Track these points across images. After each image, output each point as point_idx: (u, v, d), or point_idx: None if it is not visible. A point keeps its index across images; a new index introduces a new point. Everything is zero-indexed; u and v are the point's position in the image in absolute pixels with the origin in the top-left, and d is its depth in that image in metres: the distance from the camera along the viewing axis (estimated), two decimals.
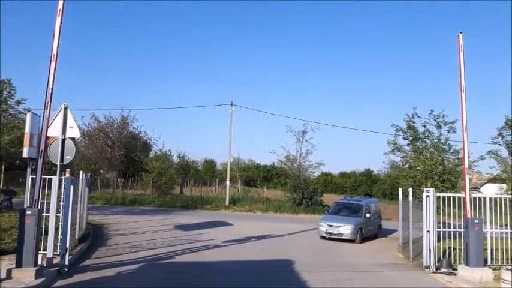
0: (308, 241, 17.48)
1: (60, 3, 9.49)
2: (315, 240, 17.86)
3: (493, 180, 31.54)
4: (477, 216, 11.60)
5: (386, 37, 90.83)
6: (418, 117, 21.06)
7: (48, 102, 9.32)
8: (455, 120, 20.27)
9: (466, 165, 11.80)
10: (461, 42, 11.79)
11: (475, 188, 36.18)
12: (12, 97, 19.75)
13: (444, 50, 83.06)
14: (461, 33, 11.80)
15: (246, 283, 9.61)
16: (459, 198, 12.10)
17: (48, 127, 9.60)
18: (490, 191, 30.56)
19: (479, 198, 12.21)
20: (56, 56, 9.38)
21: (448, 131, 20.66)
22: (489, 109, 77.32)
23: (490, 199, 12.20)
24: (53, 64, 9.33)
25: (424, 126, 21.00)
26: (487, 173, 24.24)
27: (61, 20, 9.51)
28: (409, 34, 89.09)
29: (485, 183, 42.32)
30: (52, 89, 9.29)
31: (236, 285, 9.43)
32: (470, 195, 11.48)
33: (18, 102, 19.97)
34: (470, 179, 11.96)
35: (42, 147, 9.30)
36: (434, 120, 20.72)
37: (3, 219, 15.28)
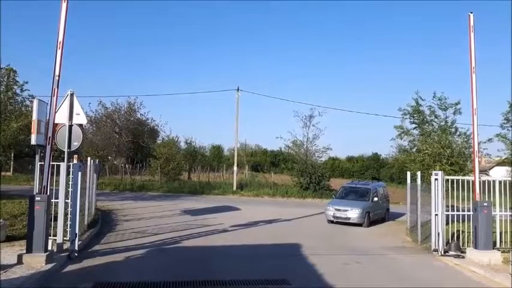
0: (316, 225, 17.52)
1: None
2: (323, 224, 17.90)
3: (502, 163, 31.25)
4: (486, 199, 11.52)
5: (390, 21, 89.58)
6: (423, 100, 20.88)
7: (55, 89, 9.33)
8: (458, 101, 20.11)
9: (476, 148, 11.68)
10: (471, 23, 11.49)
11: (483, 171, 35.89)
12: (17, 83, 19.72)
13: (447, 31, 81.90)
14: (471, 13, 11.48)
15: (253, 267, 9.65)
16: (468, 181, 12.01)
17: (55, 113, 9.61)
18: (499, 174, 30.32)
19: (488, 181, 12.11)
20: (62, 42, 9.32)
21: (454, 113, 20.47)
22: (498, 90, 76.24)
23: (499, 182, 12.10)
24: (59, 51, 9.29)
25: (430, 109, 20.82)
26: (497, 156, 23.95)
27: (67, 6, 9.40)
28: (411, 16, 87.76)
29: (494, 167, 41.99)
30: (59, 76, 9.28)
31: (243, 269, 9.47)
32: (479, 178, 11.40)
33: (23, 90, 19.97)
34: (479, 162, 11.86)
35: (50, 133, 9.34)
36: (437, 104, 20.54)
37: (13, 206, 15.49)
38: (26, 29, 78.40)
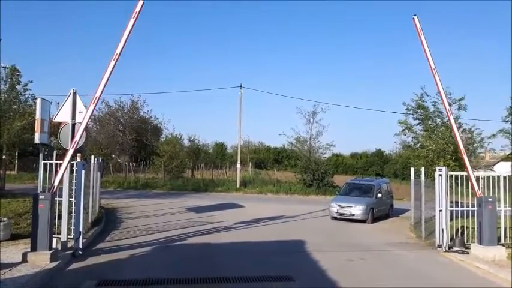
0: (319, 222, 17.52)
1: (139, 5, 9.50)
2: (326, 221, 17.89)
3: (507, 158, 31.12)
4: (491, 194, 11.48)
5: (394, 17, 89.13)
6: (428, 95, 20.76)
7: (96, 98, 9.59)
8: (462, 97, 20.04)
9: (461, 147, 11.62)
10: (418, 26, 11.03)
11: (488, 166, 35.71)
12: (20, 82, 19.84)
13: (448, 26, 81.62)
14: (415, 16, 11.04)
15: (257, 264, 9.65)
16: None
17: (87, 115, 9.74)
18: (504, 169, 30.18)
19: (493, 177, 12.05)
20: (119, 55, 9.44)
21: (458, 109, 20.36)
22: (504, 84, 75.92)
23: (504, 177, 12.04)
24: (112, 62, 9.41)
25: (434, 105, 20.72)
26: (501, 151, 23.81)
27: (134, 22, 9.50)
28: (414, 12, 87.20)
29: (498, 162, 41.82)
30: (105, 85, 9.47)
31: (248, 265, 9.48)
32: (474, 173, 11.37)
33: (25, 89, 20.08)
34: (483, 158, 11.84)
35: (77, 138, 9.49)
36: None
37: (18, 204, 15.56)
38: (27, 28, 78.58)
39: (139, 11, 9.51)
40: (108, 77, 9.45)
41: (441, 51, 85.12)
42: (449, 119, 11.69)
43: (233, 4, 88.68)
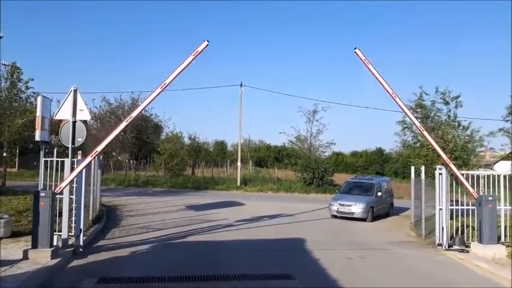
0: (319, 220, 17.53)
1: (202, 46, 9.55)
2: (326, 219, 17.90)
3: (507, 157, 31.12)
4: (491, 193, 11.50)
5: (392, 16, 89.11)
6: (426, 94, 20.77)
7: (132, 118, 9.94)
8: (459, 94, 20.11)
9: (444, 157, 11.69)
10: (362, 57, 10.81)
11: (488, 165, 35.71)
12: (21, 80, 19.86)
13: (448, 24, 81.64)
14: (356, 48, 10.76)
15: (257, 262, 9.68)
16: (472, 175, 11.98)
17: (117, 131, 9.89)
18: (504, 168, 30.18)
19: (493, 176, 12.08)
20: (167, 85, 9.52)
21: (456, 107, 20.38)
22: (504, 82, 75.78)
23: (504, 176, 12.06)
24: (159, 90, 9.47)
25: (433, 104, 20.72)
26: (500, 150, 23.77)
27: (192, 60, 9.55)
28: (414, 11, 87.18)
29: (498, 161, 41.79)
30: (143, 109, 9.96)
31: (248, 263, 9.51)
32: (474, 172, 11.44)
33: (27, 87, 20.10)
34: (483, 157, 11.88)
35: (100, 148, 9.58)
36: (441, 98, 20.42)
37: (18, 202, 15.58)
38: (28, 26, 78.52)
39: (201, 51, 9.55)
40: (150, 102, 9.77)
41: (442, 51, 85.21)
42: (425, 137, 11.75)
43: (233, 3, 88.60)
